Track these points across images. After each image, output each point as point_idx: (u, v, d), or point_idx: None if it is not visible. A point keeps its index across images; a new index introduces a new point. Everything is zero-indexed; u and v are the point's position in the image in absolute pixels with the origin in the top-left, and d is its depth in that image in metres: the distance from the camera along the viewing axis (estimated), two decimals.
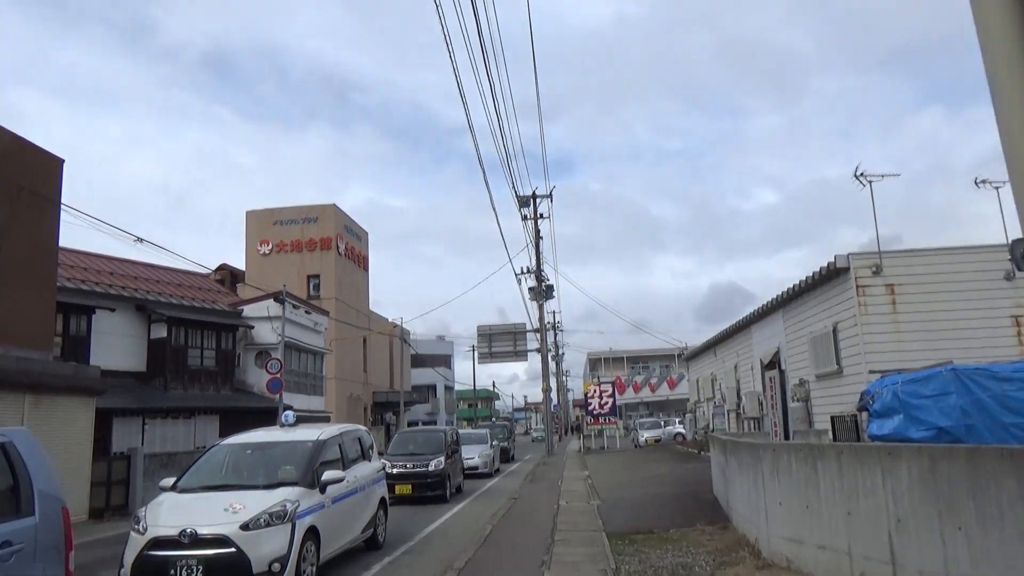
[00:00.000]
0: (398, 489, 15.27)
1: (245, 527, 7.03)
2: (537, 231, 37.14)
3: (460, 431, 26.36)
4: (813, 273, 15.54)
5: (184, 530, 6.90)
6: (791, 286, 17.48)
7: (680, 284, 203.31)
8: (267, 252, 43.65)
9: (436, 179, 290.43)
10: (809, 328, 16.53)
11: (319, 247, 43.54)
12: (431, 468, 15.54)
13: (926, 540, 5.03)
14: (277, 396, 23.45)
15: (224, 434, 24.32)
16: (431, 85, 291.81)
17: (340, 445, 9.33)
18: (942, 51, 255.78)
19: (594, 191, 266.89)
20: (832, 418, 13.11)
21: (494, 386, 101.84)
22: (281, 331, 24.08)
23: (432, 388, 70.30)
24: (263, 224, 44.21)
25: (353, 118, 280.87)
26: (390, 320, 47.67)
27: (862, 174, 14.08)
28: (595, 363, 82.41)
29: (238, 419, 24.24)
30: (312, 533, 7.74)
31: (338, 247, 43.98)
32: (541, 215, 37.39)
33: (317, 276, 43.37)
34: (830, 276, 14.94)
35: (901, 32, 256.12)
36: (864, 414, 13.86)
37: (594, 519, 11.81)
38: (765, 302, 20.16)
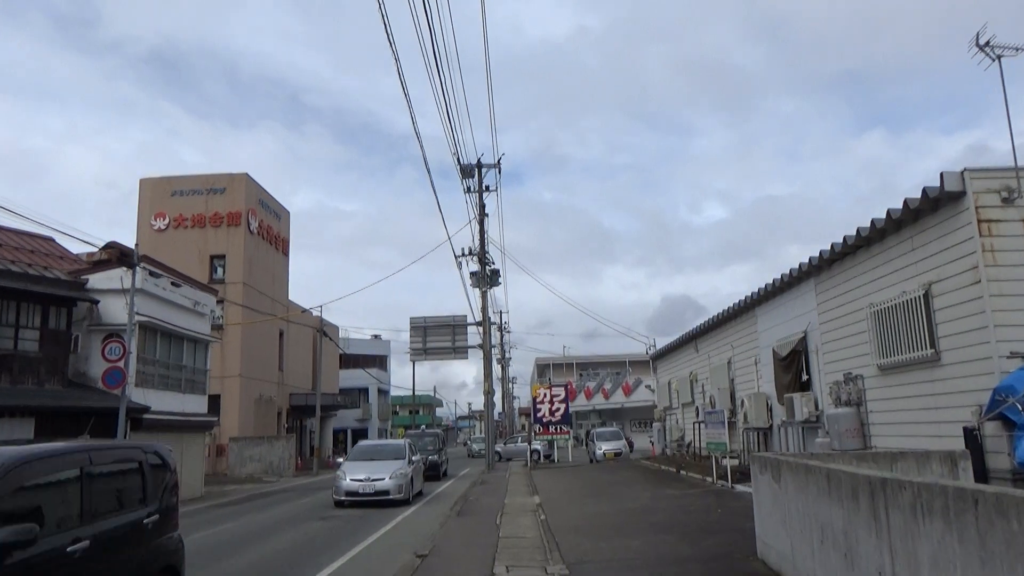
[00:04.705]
0: None
1: None
2: (482, 206, 31.50)
3: (368, 442, 20.43)
4: (889, 211, 10.28)
5: None
6: (834, 243, 12.27)
7: (630, 295, 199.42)
8: (163, 227, 36.90)
9: (388, 184, 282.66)
10: (870, 298, 11.28)
11: (226, 223, 36.99)
12: None
13: None
14: (120, 391, 17.19)
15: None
16: (385, 90, 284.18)
17: None
18: (883, 77, 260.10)
19: (546, 200, 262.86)
20: (968, 432, 7.80)
21: (435, 391, 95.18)
22: (129, 304, 17.79)
23: (364, 392, 63.75)
24: (159, 194, 37.41)
25: (304, 120, 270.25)
26: (311, 311, 41.21)
27: (986, 43, 8.88)
28: (543, 369, 77.31)
29: (66, 423, 17.85)
30: None
31: (249, 224, 37.50)
32: (487, 187, 31.88)
33: (222, 257, 36.82)
34: (923, 211, 9.70)
35: (845, 58, 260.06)
36: (996, 425, 8.62)
37: None
38: (782, 274, 14.95)
